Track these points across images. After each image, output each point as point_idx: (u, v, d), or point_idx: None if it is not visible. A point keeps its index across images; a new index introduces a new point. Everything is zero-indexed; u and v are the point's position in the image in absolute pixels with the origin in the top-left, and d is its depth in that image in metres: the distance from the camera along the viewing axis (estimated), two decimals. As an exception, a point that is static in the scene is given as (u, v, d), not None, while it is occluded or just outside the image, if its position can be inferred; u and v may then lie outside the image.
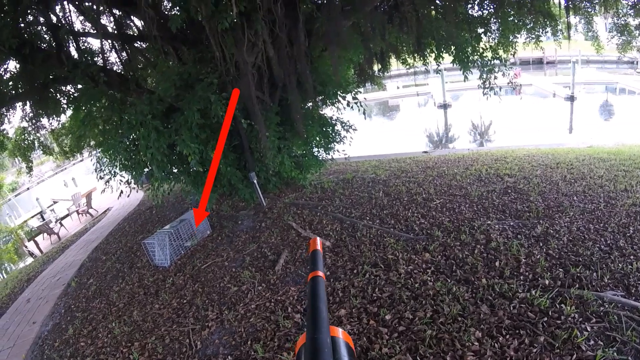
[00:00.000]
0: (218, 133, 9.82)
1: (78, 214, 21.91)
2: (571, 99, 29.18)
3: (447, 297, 5.86)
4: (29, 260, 19.62)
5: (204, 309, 7.31)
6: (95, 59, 11.70)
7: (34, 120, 13.81)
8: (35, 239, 20.28)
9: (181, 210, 13.23)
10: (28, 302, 11.14)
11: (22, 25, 9.85)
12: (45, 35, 11.10)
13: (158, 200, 11.00)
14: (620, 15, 12.80)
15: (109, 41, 12.62)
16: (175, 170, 10.83)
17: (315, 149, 12.21)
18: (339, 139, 12.02)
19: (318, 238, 1.80)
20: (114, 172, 10.27)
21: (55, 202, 25.73)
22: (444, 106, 32.66)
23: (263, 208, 11.44)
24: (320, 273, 1.46)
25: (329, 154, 12.33)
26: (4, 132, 14.05)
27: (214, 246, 10.13)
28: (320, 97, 11.84)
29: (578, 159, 12.67)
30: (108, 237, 14.54)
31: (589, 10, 13.25)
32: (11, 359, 8.09)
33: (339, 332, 1.15)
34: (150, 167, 10.27)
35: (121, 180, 10.52)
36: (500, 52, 12.95)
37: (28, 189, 40.04)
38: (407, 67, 15.20)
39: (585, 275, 5.83)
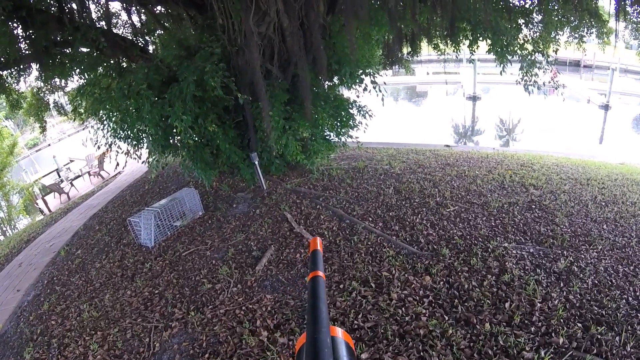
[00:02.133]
0: (216, 106, 9.06)
1: (89, 175, 21.33)
2: (606, 107, 26.69)
3: (439, 341, 4.63)
4: (39, 217, 19.15)
5: (172, 305, 6.53)
6: (101, 23, 10.65)
7: (47, 82, 13.06)
8: (46, 198, 19.95)
9: (182, 184, 12.12)
10: (20, 266, 10.66)
11: None
12: None
13: (152, 173, 10.46)
14: None
15: (120, 3, 11.41)
16: (173, 144, 9.75)
17: (326, 133, 10.76)
18: (353, 124, 10.48)
19: (318, 238, 1.70)
20: (111, 141, 9.56)
21: (71, 161, 25.08)
22: (473, 98, 30.28)
23: (263, 192, 10.25)
24: (321, 273, 1.38)
25: (340, 139, 10.83)
26: (19, 91, 13.54)
27: (202, 230, 9.06)
28: (336, 77, 10.51)
29: (610, 177, 11.03)
30: (108, 204, 13.62)
31: (638, 17, 11.49)
32: None
33: (339, 332, 1.09)
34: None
35: (118, 150, 9.79)
36: (542, 46, 11.30)
37: (49, 145, 39.63)
38: (439, 53, 13.49)
39: (607, 338, 4.52)
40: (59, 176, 22.38)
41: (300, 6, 8.48)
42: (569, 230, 7.34)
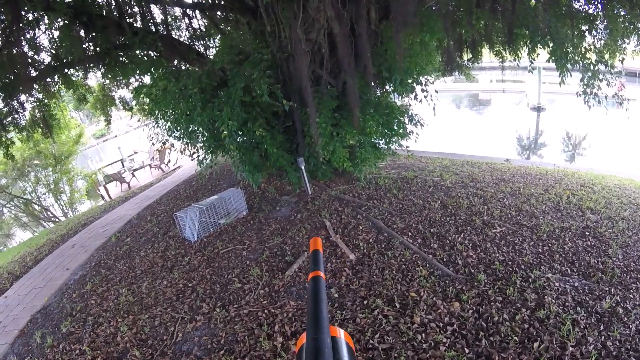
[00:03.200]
0: (265, 111, 9.12)
1: (151, 167, 21.98)
2: (676, 123, 24.60)
3: (452, 375, 4.14)
4: (100, 202, 20.06)
5: (202, 300, 6.64)
6: (159, 27, 10.84)
7: (111, 80, 13.68)
8: (108, 185, 20.70)
9: (233, 183, 12.20)
10: (73, 247, 11.07)
11: None
12: (107, 2, 10.59)
13: (204, 171, 10.53)
14: None
15: (181, 8, 11.52)
16: (223, 145, 9.70)
17: (375, 141, 10.37)
18: (404, 133, 10.00)
19: (319, 238, 1.71)
20: (165, 139, 10.11)
21: (135, 153, 25.96)
22: (538, 109, 28.68)
23: (307, 196, 10.03)
24: (321, 273, 1.41)
25: (390, 147, 10.47)
26: (86, 86, 14.10)
27: (243, 230, 9.02)
28: (388, 85, 10.21)
29: (677, 203, 9.89)
30: (162, 197, 13.86)
31: None
32: (37, 300, 8.15)
33: (340, 333, 1.10)
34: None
35: (171, 148, 10.49)
36: (607, 56, 10.33)
37: (115, 136, 41.01)
38: (500, 60, 12.76)
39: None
40: (123, 166, 23.24)
41: (351, 13, 8.21)
42: (621, 264, 6.55)
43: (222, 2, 10.03)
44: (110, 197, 19.35)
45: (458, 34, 11.22)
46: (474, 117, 31.20)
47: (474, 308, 5.38)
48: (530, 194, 9.70)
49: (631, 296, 5.61)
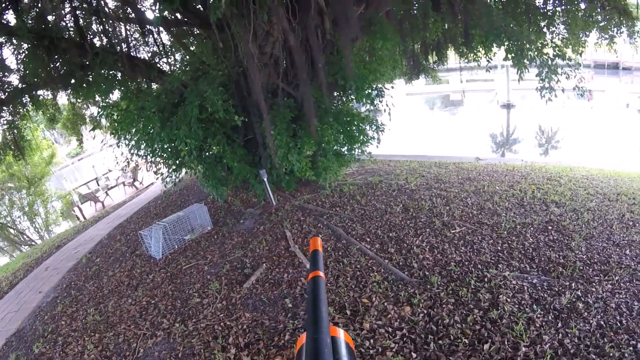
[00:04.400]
0: (224, 126, 8.96)
1: (124, 185, 21.60)
2: (646, 112, 24.26)
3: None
4: (76, 223, 19.57)
5: (163, 315, 6.57)
6: (122, 45, 10.55)
7: (76, 101, 13.47)
8: (82, 206, 20.32)
9: (202, 198, 12.01)
10: (46, 270, 10.88)
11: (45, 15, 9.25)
12: (70, 24, 10.24)
13: (167, 191, 10.66)
14: None
15: (143, 26, 11.24)
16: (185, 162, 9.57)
17: (337, 148, 10.18)
18: (365, 140, 9.80)
19: (319, 238, 1.72)
20: (129, 158, 9.80)
21: (110, 171, 25.30)
22: (507, 106, 28.49)
23: (271, 207, 9.83)
24: (321, 273, 1.38)
25: (353, 154, 10.33)
26: (56, 106, 13.87)
27: (206, 245, 8.85)
28: (343, 92, 10.04)
29: (645, 191, 9.67)
30: (133, 215, 13.61)
31: None
32: (11, 323, 8.03)
33: (340, 333, 1.07)
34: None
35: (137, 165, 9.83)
36: (568, 51, 10.23)
37: (91, 154, 40.43)
38: (465, 60, 12.66)
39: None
40: (98, 185, 22.78)
41: (303, 24, 8.04)
42: (584, 256, 6.33)
43: (185, 19, 9.77)
44: (84, 218, 18.93)
45: (421, 37, 11.07)
46: (446, 118, 30.98)
47: (425, 311, 5.17)
48: (495, 192, 9.50)
49: (593, 289, 5.40)
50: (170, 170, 9.58)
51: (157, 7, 8.06)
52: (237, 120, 8.35)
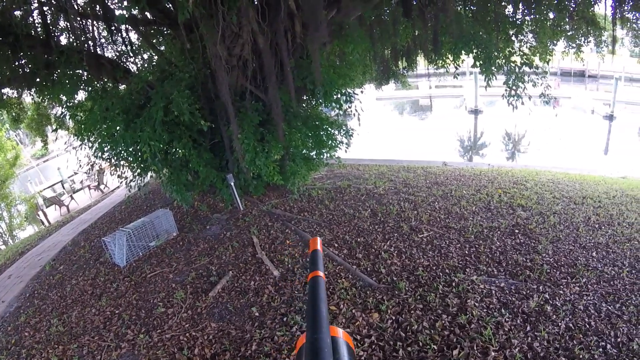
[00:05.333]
0: (190, 129, 8.69)
1: (90, 188, 20.77)
2: (610, 117, 25.25)
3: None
4: (41, 228, 18.77)
5: (127, 326, 6.26)
6: (88, 44, 10.09)
7: (41, 100, 12.65)
8: (47, 210, 19.54)
9: (169, 202, 11.61)
10: (9, 278, 10.34)
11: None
12: (36, 20, 9.85)
13: (131, 194, 10.40)
14: None
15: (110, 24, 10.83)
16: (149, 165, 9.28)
17: (307, 153, 10.04)
18: (333, 144, 9.68)
19: (318, 238, 1.71)
20: (93, 160, 9.56)
21: (75, 173, 24.40)
22: (475, 111, 28.80)
23: (238, 213, 9.56)
24: (320, 273, 1.38)
25: (321, 159, 10.19)
26: (20, 106, 13.37)
27: (172, 252, 8.47)
28: (312, 97, 9.92)
29: (608, 194, 9.82)
30: (98, 220, 13.09)
31: (639, 23, 10.51)
32: None
33: (339, 332, 1.07)
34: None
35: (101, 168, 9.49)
36: (536, 58, 10.29)
37: (57, 156, 39.32)
38: (435, 66, 12.68)
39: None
40: (63, 188, 21.96)
41: (273, 27, 7.92)
42: (551, 259, 6.33)
43: (154, 18, 9.45)
44: (49, 222, 18.22)
45: (391, 43, 11.02)
46: (414, 123, 31.11)
47: (394, 318, 5.04)
48: (462, 196, 9.48)
49: (561, 292, 5.39)
50: (134, 174, 9.27)
51: (123, 5, 7.79)
52: (204, 125, 8.09)
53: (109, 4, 9.93)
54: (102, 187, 20.30)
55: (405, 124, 30.38)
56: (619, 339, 4.44)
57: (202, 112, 8.26)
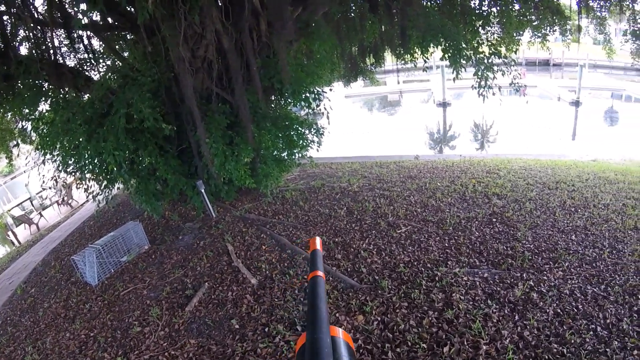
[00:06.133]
0: (156, 136, 8.28)
1: (58, 204, 19.84)
2: (576, 103, 25.74)
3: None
4: (12, 249, 17.83)
5: (103, 349, 5.88)
6: (49, 53, 9.59)
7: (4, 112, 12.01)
8: (16, 230, 18.61)
9: (139, 214, 11.13)
10: None
11: None
12: None
13: (99, 208, 10.01)
14: (637, 19, 10.31)
15: (65, 31, 10.39)
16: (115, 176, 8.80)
17: (278, 154, 9.80)
18: (304, 144, 9.45)
19: (318, 237, 1.65)
20: (56, 174, 8.99)
21: (44, 189, 23.62)
22: (443, 104, 28.80)
23: (211, 220, 9.17)
24: (320, 273, 1.34)
25: (293, 159, 9.93)
26: None
27: (144, 266, 8.04)
28: (281, 96, 9.64)
29: (581, 177, 9.84)
30: (68, 237, 12.52)
31: (603, 12, 10.60)
32: None
33: (339, 332, 1.04)
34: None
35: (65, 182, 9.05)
36: (502, 49, 10.28)
37: (24, 172, 38.08)
38: (403, 61, 12.56)
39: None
40: (32, 205, 21.00)
41: (237, 26, 7.63)
42: (531, 245, 6.25)
43: (115, 22, 9.14)
44: (19, 242, 17.35)
45: (359, 39, 10.86)
46: (384, 118, 31.04)
47: (379, 319, 4.83)
48: (437, 188, 9.35)
49: (545, 278, 5.30)
50: (101, 187, 8.86)
51: (79, 8, 7.42)
52: (166, 129, 7.70)
53: (68, 10, 9.54)
54: (70, 202, 19.63)
55: (375, 120, 30.30)
56: (608, 320, 4.37)
57: (167, 117, 7.92)
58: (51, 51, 9.42)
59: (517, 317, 4.51)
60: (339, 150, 13.52)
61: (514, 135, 20.93)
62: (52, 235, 13.82)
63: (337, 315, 5.00)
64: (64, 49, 10.88)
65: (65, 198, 19.51)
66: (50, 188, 17.85)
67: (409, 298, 5.11)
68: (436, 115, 27.81)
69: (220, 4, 7.40)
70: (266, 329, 5.13)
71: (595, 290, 4.96)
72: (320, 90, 9.34)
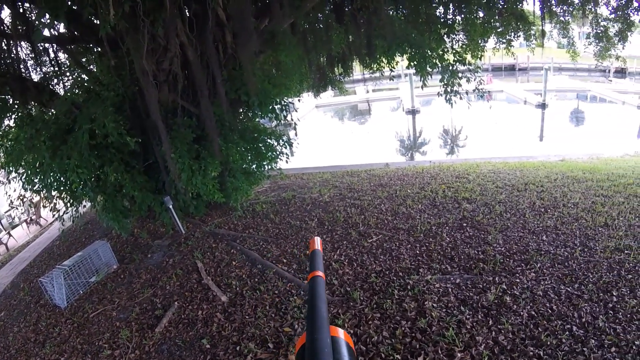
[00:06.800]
0: (121, 152, 7.98)
1: (27, 223, 19.17)
2: (542, 106, 26.35)
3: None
4: None
5: None
6: (14, 67, 9.25)
7: None
8: None
9: (108, 232, 10.75)
10: None
11: None
12: None
13: (66, 227, 9.57)
14: (600, 22, 10.42)
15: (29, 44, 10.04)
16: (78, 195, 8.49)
17: (247, 167, 9.59)
18: (273, 156, 9.29)
19: (318, 237, 1.62)
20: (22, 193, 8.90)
21: (11, 208, 22.98)
22: (412, 112, 29.00)
23: (180, 237, 8.90)
24: (320, 273, 1.32)
25: (262, 172, 9.76)
26: None
27: (113, 287, 7.72)
28: (248, 108, 9.39)
29: (549, 178, 9.92)
30: (37, 257, 12.06)
31: (566, 16, 10.84)
32: None
33: (340, 332, 1.00)
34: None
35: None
36: (468, 56, 10.45)
37: None
38: (370, 71, 12.54)
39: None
40: (1, 225, 20.50)
41: (203, 38, 7.49)
42: (502, 248, 6.24)
43: (80, 35, 8.78)
44: None
45: (326, 50, 10.78)
46: (355, 127, 31.03)
47: (352, 331, 4.71)
48: (407, 195, 9.32)
49: (517, 280, 5.26)
50: (66, 205, 8.56)
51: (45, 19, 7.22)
52: (131, 142, 7.38)
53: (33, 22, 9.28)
54: (39, 220, 19.05)
55: (345, 129, 30.31)
56: (583, 319, 4.35)
57: (132, 131, 7.63)
58: (15, 65, 9.18)
59: (491, 322, 4.44)
60: (310, 160, 13.41)
61: (482, 139, 21.17)
62: (21, 255, 13.32)
63: (309, 330, 4.86)
64: (29, 62, 10.54)
65: (34, 217, 18.90)
66: (17, 207, 17.33)
67: (382, 309, 5.00)
68: (406, 123, 27.95)
69: (184, 17, 7.22)
70: (237, 348, 4.95)
71: (568, 289, 4.95)
72: (287, 101, 9.24)
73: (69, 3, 7.26)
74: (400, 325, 4.59)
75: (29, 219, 18.61)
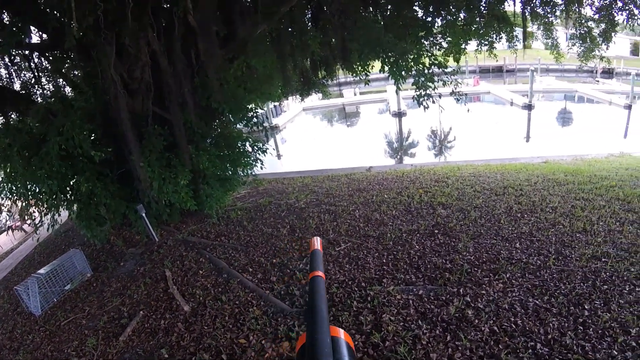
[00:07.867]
0: (93, 162, 7.67)
1: (12, 230, 19.00)
2: (529, 107, 26.29)
3: None
4: None
5: None
6: None
7: None
8: None
9: (84, 240, 10.54)
10: None
11: None
12: None
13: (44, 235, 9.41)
14: (583, 23, 10.20)
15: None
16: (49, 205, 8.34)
17: (223, 173, 9.37)
18: (247, 162, 9.18)
19: (318, 237, 1.69)
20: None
21: None
22: (399, 114, 28.73)
23: (153, 245, 8.76)
24: (320, 273, 1.39)
25: (237, 178, 9.67)
26: None
27: (85, 295, 7.64)
28: (222, 115, 9.16)
29: (529, 181, 9.68)
30: (18, 265, 11.87)
31: (549, 17, 10.57)
32: None
33: (340, 332, 1.03)
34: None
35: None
36: (450, 59, 10.43)
37: None
38: (351, 74, 12.38)
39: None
40: None
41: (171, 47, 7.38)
42: (472, 257, 6.02)
43: (56, 43, 8.65)
44: None
45: (308, 54, 10.62)
46: (342, 130, 30.90)
47: (303, 345, 4.51)
48: (383, 200, 9.15)
49: (483, 292, 5.05)
50: (41, 214, 8.43)
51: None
52: (96, 155, 7.25)
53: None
54: (23, 226, 18.82)
55: (332, 132, 30.17)
56: (549, 336, 4.13)
57: (104, 140, 7.60)
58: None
59: (448, 338, 4.26)
60: (294, 164, 13.23)
61: (468, 141, 21.03)
62: (4, 263, 13.17)
63: (262, 342, 4.75)
64: (4, 72, 10.40)
65: (18, 223, 18.66)
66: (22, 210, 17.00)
67: (337, 321, 4.85)
68: (392, 125, 27.80)
69: (155, 26, 7.10)
70: (193, 358, 4.86)
71: (537, 302, 4.73)
72: (260, 107, 9.10)
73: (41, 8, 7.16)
74: (354, 339, 4.42)
75: (14, 225, 18.33)
